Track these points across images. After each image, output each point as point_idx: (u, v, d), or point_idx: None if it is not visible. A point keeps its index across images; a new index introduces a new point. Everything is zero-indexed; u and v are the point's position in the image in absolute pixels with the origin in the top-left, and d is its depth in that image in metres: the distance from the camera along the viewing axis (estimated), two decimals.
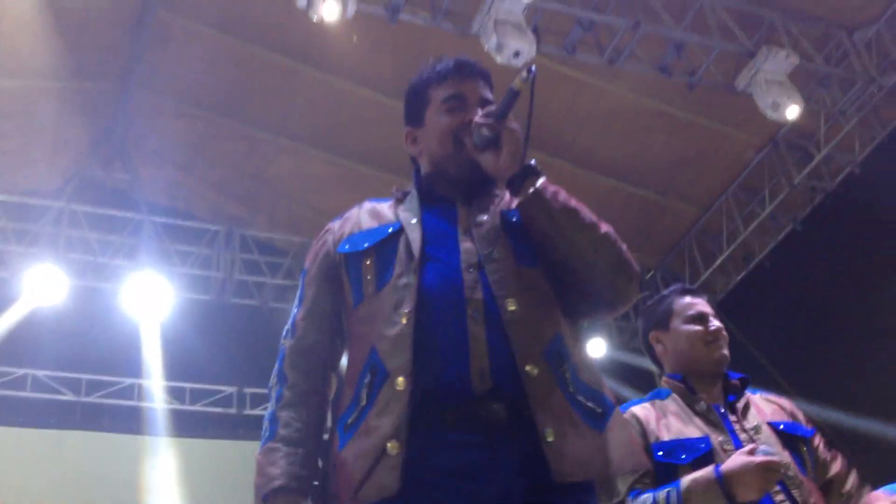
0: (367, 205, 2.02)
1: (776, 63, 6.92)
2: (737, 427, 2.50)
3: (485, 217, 1.88)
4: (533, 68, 1.77)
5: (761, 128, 8.19)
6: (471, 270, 1.80)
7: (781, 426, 2.51)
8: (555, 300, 1.81)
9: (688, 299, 2.72)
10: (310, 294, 1.98)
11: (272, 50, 7.56)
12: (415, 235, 1.85)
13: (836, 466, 2.55)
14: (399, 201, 1.98)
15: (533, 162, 1.84)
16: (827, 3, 7.40)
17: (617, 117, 8.16)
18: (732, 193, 9.02)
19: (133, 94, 8.07)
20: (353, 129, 8.08)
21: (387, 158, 7.89)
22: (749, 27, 7.23)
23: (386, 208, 1.98)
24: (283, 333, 1.99)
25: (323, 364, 1.94)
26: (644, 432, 2.47)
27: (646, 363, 10.54)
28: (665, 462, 2.40)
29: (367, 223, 1.95)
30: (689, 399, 2.57)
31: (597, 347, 9.73)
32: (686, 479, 2.33)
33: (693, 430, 2.48)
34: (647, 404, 2.58)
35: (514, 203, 1.85)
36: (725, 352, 2.64)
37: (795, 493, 2.35)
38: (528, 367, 1.68)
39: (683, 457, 2.40)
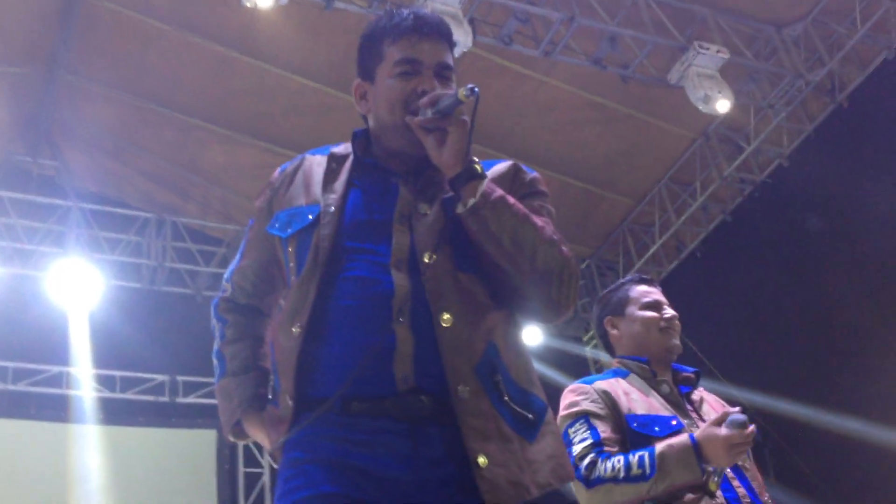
0: (307, 164, 1.89)
1: (707, 58, 7.06)
2: (693, 416, 2.60)
3: (428, 207, 1.74)
4: (476, 90, 1.64)
5: (693, 121, 8.35)
6: (401, 269, 1.68)
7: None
8: (491, 306, 1.72)
9: (644, 287, 2.81)
10: (248, 249, 1.96)
11: (205, 37, 7.43)
12: (326, 232, 1.73)
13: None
14: (336, 166, 1.84)
15: (478, 164, 1.71)
16: (756, 0, 7.58)
17: (553, 109, 8.23)
18: (665, 185, 9.18)
19: (60, 80, 7.86)
20: (287, 117, 8.00)
21: (311, 144, 7.83)
22: (681, 22, 7.36)
23: (319, 176, 1.83)
24: (224, 277, 2.02)
25: (259, 314, 1.97)
26: (616, 404, 2.53)
27: (580, 350, 10.65)
28: (639, 433, 2.47)
29: (298, 198, 1.83)
30: (651, 381, 2.64)
31: (533, 335, 9.82)
32: (661, 445, 2.38)
33: (660, 408, 2.56)
34: (611, 380, 2.64)
35: (458, 207, 1.70)
36: (677, 341, 2.72)
37: (750, 480, 2.48)
38: (459, 388, 1.61)
39: (657, 429, 2.48)
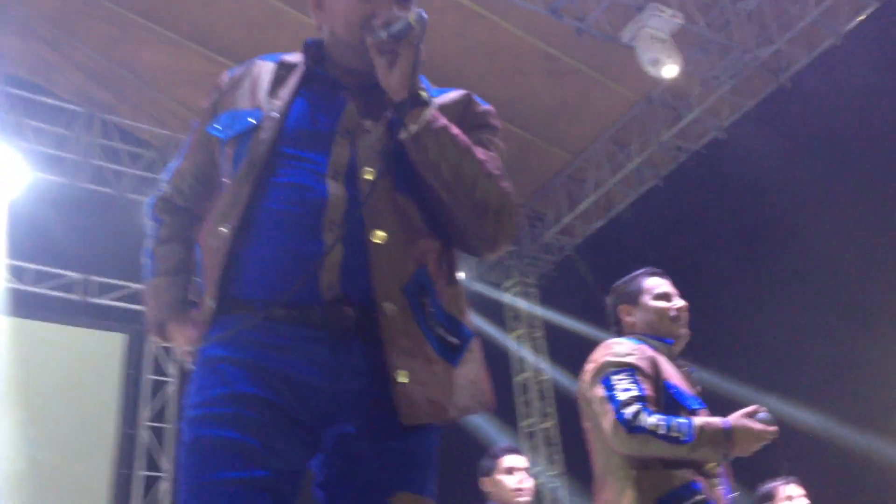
0: (255, 69, 1.85)
1: (662, 21, 7.09)
2: None
3: (373, 125, 1.73)
4: (424, 16, 1.64)
5: (638, 83, 8.40)
6: (338, 180, 1.67)
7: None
8: (426, 232, 1.72)
9: (656, 279, 3.02)
10: (189, 150, 1.94)
11: None
12: (265, 136, 1.71)
13: None
14: (284, 73, 1.82)
15: (424, 91, 1.71)
16: None
17: (504, 53, 8.18)
18: (603, 143, 9.26)
19: None
20: (232, 26, 7.77)
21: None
22: None
23: (266, 82, 1.80)
24: (162, 177, 2.00)
25: (194, 218, 1.95)
26: (658, 370, 2.73)
27: (499, 296, 10.75)
28: (676, 400, 2.69)
29: (242, 101, 1.80)
30: (673, 361, 2.86)
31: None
32: (699, 419, 2.58)
33: (687, 387, 2.79)
34: (642, 345, 2.82)
35: (401, 132, 1.69)
36: (686, 330, 2.93)
37: (728, 476, 2.73)
38: (385, 304, 1.61)
39: (689, 402, 2.70)
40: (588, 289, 9.51)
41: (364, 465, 1.60)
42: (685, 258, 8.78)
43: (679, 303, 2.96)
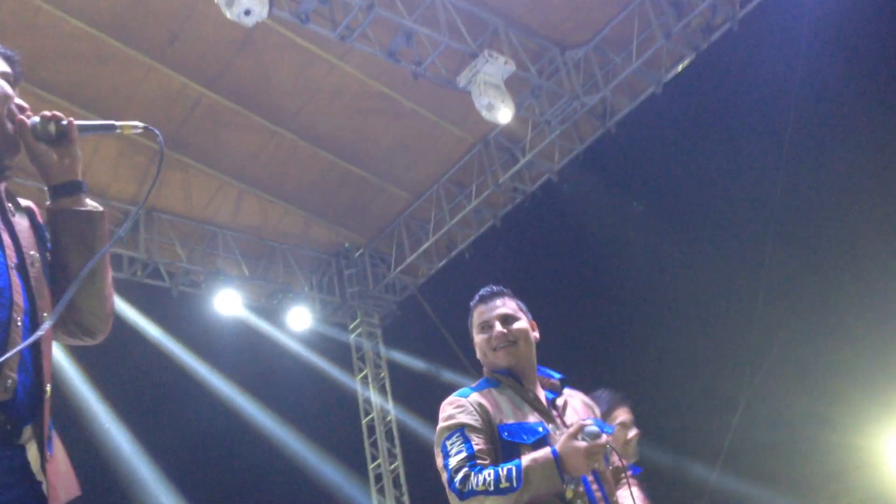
0: None
1: (495, 67, 7.34)
2: (558, 422, 2.80)
3: (17, 212, 1.79)
4: (161, 140, 1.76)
5: (475, 126, 8.66)
6: (13, 270, 1.67)
7: None
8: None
9: (479, 309, 2.96)
10: None
11: None
12: None
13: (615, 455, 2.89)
14: None
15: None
16: (546, 20, 7.97)
17: (342, 94, 8.24)
18: (443, 185, 9.45)
19: None
20: (55, 58, 7.44)
21: (80, 93, 7.53)
22: (475, 29, 7.60)
23: None
24: None
25: None
26: (489, 416, 2.71)
27: (345, 338, 10.60)
28: (510, 441, 2.67)
29: None
30: (520, 390, 2.82)
31: (300, 318, 9.78)
32: (526, 458, 2.57)
33: (529, 416, 2.75)
34: (484, 392, 2.82)
35: (57, 211, 1.79)
36: (511, 358, 2.85)
37: (604, 482, 2.71)
38: (48, 387, 1.63)
39: (525, 437, 2.68)
40: (431, 327, 9.61)
41: None
42: (521, 293, 9.06)
43: (496, 330, 2.87)
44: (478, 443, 2.66)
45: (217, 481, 9.92)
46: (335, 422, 10.28)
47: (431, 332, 9.44)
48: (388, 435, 9.87)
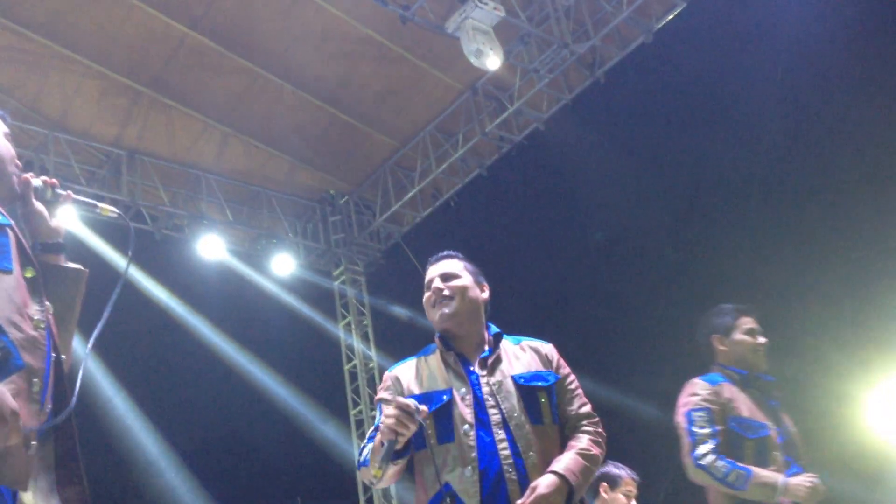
0: None
1: (484, 13, 7.24)
2: (482, 381, 2.77)
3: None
4: (132, 228, 2.14)
5: (463, 73, 8.56)
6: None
7: (522, 379, 2.78)
8: None
9: (428, 270, 3.01)
10: None
11: None
12: None
13: (573, 406, 2.84)
14: None
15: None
16: None
17: (330, 38, 8.10)
18: (430, 132, 9.37)
19: None
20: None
21: (63, 32, 7.40)
22: None
23: None
24: None
25: None
26: (402, 390, 2.79)
27: (329, 284, 10.59)
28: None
29: None
30: (444, 354, 2.84)
31: (284, 264, 9.75)
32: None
33: (440, 383, 2.78)
34: (411, 362, 2.91)
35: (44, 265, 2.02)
36: (446, 310, 2.87)
37: (519, 440, 2.65)
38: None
39: (428, 406, 2.67)
40: (415, 276, 9.61)
41: None
42: (507, 243, 9.07)
43: (437, 286, 2.94)
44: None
45: (198, 424, 9.97)
46: (318, 368, 10.32)
47: (416, 282, 9.44)
48: (371, 382, 9.94)
